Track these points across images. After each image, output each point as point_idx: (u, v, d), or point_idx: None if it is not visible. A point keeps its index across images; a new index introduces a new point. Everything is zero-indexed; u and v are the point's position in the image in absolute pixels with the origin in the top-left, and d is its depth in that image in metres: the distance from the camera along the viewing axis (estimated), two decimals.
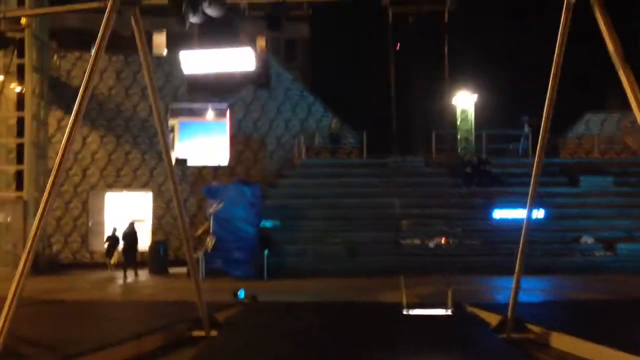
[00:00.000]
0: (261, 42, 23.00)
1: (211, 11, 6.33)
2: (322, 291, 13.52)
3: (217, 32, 17.87)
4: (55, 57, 22.57)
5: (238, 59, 20.18)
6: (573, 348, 6.92)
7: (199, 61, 21.12)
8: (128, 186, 22.63)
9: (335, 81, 35.09)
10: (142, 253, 19.70)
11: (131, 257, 18.36)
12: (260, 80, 21.84)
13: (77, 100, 6.56)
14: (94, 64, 6.62)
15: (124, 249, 18.53)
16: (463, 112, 31.71)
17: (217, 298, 11.04)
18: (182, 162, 22.79)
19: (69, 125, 6.48)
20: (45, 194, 6.11)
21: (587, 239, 19.14)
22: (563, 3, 6.81)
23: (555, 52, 7.01)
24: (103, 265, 20.05)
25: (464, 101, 31.85)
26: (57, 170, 6.32)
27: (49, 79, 21.72)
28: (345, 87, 34.75)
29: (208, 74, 21.11)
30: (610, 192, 21.04)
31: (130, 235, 18.58)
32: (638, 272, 17.22)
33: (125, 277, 17.65)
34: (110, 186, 22.61)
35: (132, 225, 18.86)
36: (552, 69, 7.08)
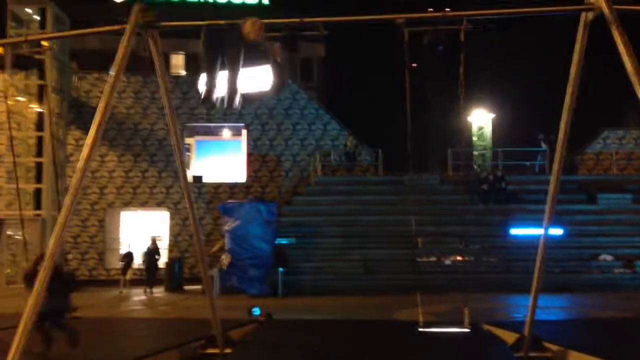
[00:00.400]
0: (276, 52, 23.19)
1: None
2: (337, 309, 13.46)
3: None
4: (74, 77, 23.01)
5: (257, 78, 20.38)
6: None
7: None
8: (144, 204, 22.82)
9: (351, 99, 35.28)
10: (158, 270, 19.85)
11: (153, 272, 18.72)
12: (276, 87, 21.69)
13: (95, 120, 6.66)
14: (112, 85, 6.74)
15: (147, 265, 18.78)
16: (479, 129, 31.69)
17: (232, 315, 11.06)
18: (198, 180, 22.96)
19: (88, 145, 6.57)
20: (63, 212, 6.19)
21: (606, 257, 18.91)
22: (579, 20, 6.81)
23: (572, 69, 6.99)
24: (119, 283, 20.20)
25: (481, 118, 31.84)
26: (75, 189, 6.41)
27: (69, 99, 22.14)
28: (361, 105, 34.91)
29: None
30: (629, 209, 20.77)
31: (154, 251, 18.97)
32: None
33: (146, 292, 17.91)
34: (127, 204, 22.82)
35: (154, 241, 19.20)
36: (569, 86, 7.06)
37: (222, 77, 6.18)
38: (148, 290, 18.20)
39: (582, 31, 6.74)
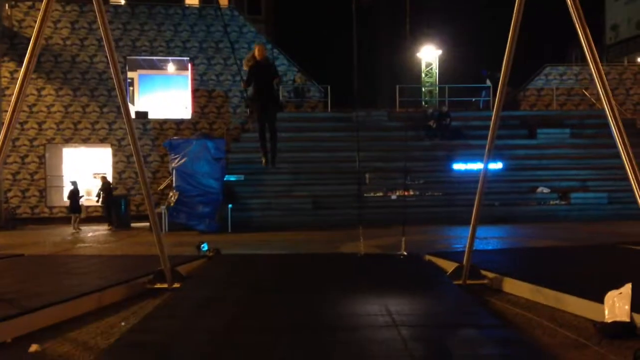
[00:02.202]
0: None
1: None
2: (285, 244, 13.70)
3: None
4: (6, 6, 21.58)
5: None
6: (523, 292, 7.25)
7: None
8: (87, 140, 22.16)
9: (299, 35, 34.60)
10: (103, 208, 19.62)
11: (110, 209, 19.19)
12: None
13: (28, 51, 6.36)
14: (44, 14, 6.40)
15: (106, 201, 19.10)
16: (427, 65, 31.91)
17: (180, 252, 11.11)
18: (142, 116, 22.38)
19: (20, 77, 6.29)
20: None
21: (543, 189, 19.81)
22: None
23: (515, 6, 7.05)
24: (63, 220, 19.87)
25: (429, 55, 31.98)
26: (9, 124, 6.17)
27: (1, 30, 20.83)
28: (309, 40, 34.32)
29: None
30: (567, 144, 21.63)
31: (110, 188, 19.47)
32: (589, 219, 18.07)
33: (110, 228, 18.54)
34: (68, 140, 22.10)
35: (105, 178, 19.34)
36: (512, 23, 7.13)
37: None
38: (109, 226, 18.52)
39: None
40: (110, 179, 21.76)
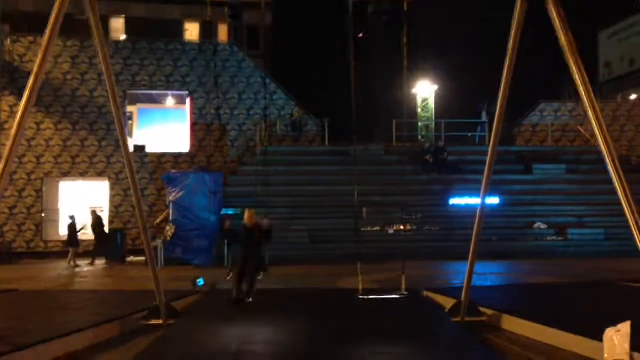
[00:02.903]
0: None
1: None
2: (282, 279, 13.58)
3: None
4: (8, 41, 21.85)
5: None
6: (522, 330, 7.18)
7: None
8: (84, 174, 22.15)
9: (297, 69, 35.01)
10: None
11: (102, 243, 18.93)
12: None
13: (28, 85, 6.41)
14: (46, 48, 6.48)
15: (98, 236, 18.79)
16: (424, 100, 32.23)
17: (176, 287, 11.00)
18: (140, 149, 22.44)
19: (20, 111, 6.33)
20: None
21: (540, 225, 19.79)
22: None
23: (510, 43, 7.16)
24: (59, 255, 19.69)
25: (425, 90, 32.34)
26: (8, 158, 6.18)
27: (2, 64, 21.04)
28: (307, 75, 34.72)
29: None
30: (563, 179, 21.70)
31: (101, 223, 19.12)
32: (586, 256, 17.99)
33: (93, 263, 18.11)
34: (66, 174, 22.09)
35: (95, 212, 19.08)
36: (506, 60, 7.24)
37: None
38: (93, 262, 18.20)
39: (519, 5, 6.90)
40: (106, 212, 21.68)
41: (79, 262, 17.92)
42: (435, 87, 31.97)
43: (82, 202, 22.12)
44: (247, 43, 33.28)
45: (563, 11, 6.40)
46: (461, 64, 31.82)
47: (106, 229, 19.69)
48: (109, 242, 18.95)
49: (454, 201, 20.20)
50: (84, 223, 19.11)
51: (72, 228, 18.36)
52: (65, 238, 18.81)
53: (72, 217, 18.62)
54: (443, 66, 32.16)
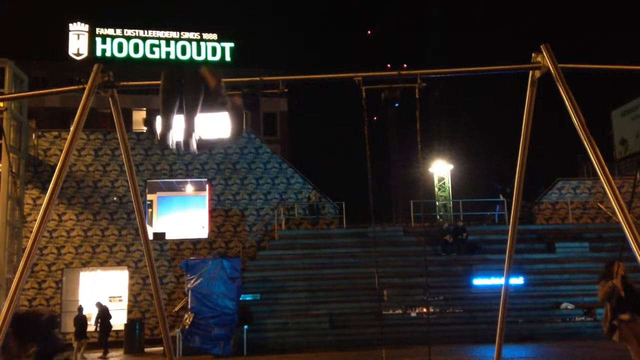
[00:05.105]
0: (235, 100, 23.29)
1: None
2: None
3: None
4: (33, 136, 22.67)
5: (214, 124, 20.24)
6: None
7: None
8: (104, 263, 22.22)
9: (314, 153, 35.73)
10: (118, 332, 19.17)
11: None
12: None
13: (52, 180, 6.58)
14: (70, 146, 6.70)
15: (102, 328, 18.20)
16: (440, 180, 32.42)
17: None
18: (160, 237, 22.59)
19: (44, 205, 6.45)
20: (17, 275, 6.00)
21: (568, 305, 19.17)
22: (528, 78, 7.13)
23: (523, 125, 7.26)
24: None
25: (441, 169, 32.64)
26: (30, 251, 6.25)
27: (26, 158, 21.72)
28: (324, 158, 35.38)
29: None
30: (587, 257, 21.20)
31: (107, 313, 18.40)
32: None
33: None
34: (86, 264, 22.18)
35: (100, 304, 18.65)
36: (521, 141, 7.31)
37: (179, 120, 6.16)
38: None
39: (530, 88, 7.06)
40: (125, 302, 21.53)
41: (92, 355, 17.53)
42: (451, 167, 32.27)
43: (100, 292, 22.03)
44: (263, 129, 34.23)
45: (571, 92, 6.53)
46: (476, 143, 32.23)
47: (112, 321, 18.84)
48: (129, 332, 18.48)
49: (477, 282, 19.76)
50: (90, 314, 18.77)
51: (81, 319, 18.02)
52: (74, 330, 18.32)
53: (79, 309, 18.41)
54: (458, 146, 32.59)
